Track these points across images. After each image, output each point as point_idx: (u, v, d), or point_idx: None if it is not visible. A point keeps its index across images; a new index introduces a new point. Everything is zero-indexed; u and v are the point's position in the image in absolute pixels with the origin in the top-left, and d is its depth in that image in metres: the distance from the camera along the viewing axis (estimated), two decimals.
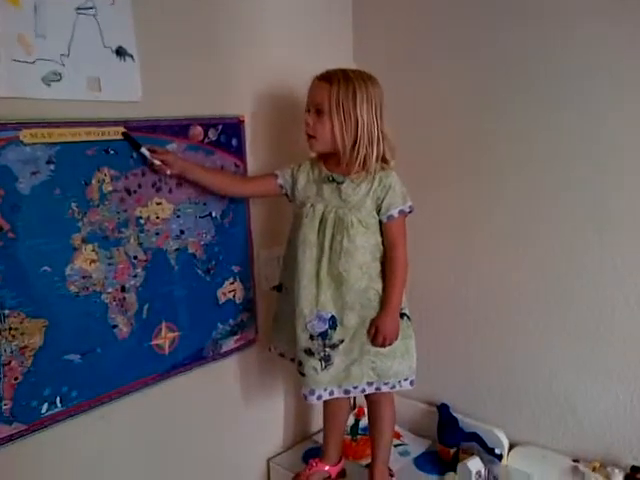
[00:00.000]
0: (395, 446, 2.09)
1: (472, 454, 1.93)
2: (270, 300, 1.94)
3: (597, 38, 1.66)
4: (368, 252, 1.66)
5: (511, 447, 1.98)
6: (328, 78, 1.59)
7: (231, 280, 1.86)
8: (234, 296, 1.88)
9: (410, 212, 1.67)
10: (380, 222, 1.67)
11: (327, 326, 1.67)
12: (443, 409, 2.11)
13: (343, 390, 1.72)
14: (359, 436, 2.18)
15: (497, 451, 1.93)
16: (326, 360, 1.68)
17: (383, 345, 1.67)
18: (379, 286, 1.68)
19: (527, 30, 1.78)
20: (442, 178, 2.07)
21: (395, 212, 1.65)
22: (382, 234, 1.68)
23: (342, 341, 1.68)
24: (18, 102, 1.32)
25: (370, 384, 1.72)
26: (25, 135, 1.33)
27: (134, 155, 1.56)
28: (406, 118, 1.98)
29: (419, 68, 2.06)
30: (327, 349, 1.68)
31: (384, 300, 1.67)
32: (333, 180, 1.66)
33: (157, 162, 1.56)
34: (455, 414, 2.09)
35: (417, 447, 2.14)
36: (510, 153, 1.89)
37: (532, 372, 1.96)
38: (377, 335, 1.66)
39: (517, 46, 1.81)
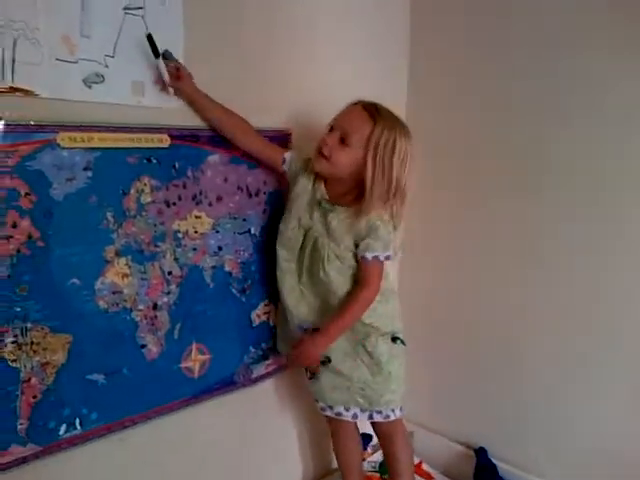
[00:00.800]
0: None
1: None
2: None
3: None
4: (343, 283, 1.59)
5: None
6: (373, 114, 1.50)
7: (266, 302, 1.77)
8: (268, 318, 1.78)
9: (386, 259, 1.57)
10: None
11: None
12: (481, 454, 1.99)
13: (335, 412, 1.67)
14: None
15: None
16: (311, 372, 1.67)
17: (292, 363, 1.63)
18: (376, 317, 1.62)
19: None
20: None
21: (369, 256, 1.55)
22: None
23: (329, 360, 1.62)
24: (57, 103, 1.25)
25: (363, 411, 1.67)
26: (63, 138, 1.26)
27: (176, 165, 1.48)
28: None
29: (472, 107, 1.99)
30: None
31: (325, 324, 1.58)
32: (326, 204, 1.58)
33: (167, 79, 1.39)
34: (494, 460, 1.96)
35: None
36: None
37: (578, 417, 1.83)
38: (295, 348, 1.61)
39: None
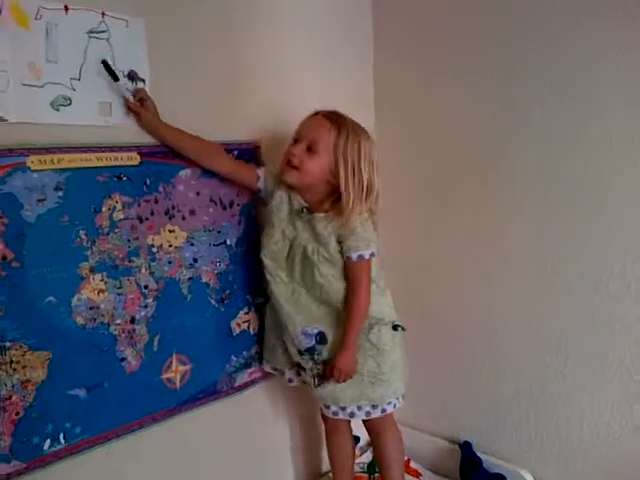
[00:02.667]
0: None
1: None
2: None
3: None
4: (340, 284, 1.63)
5: None
6: (336, 122, 1.55)
7: (245, 310, 1.80)
8: (248, 327, 1.81)
9: (371, 257, 1.62)
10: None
11: (314, 342, 1.64)
12: (466, 447, 2.02)
13: (348, 413, 1.68)
14: (377, 474, 2.08)
15: None
16: (320, 377, 1.66)
17: (338, 381, 1.64)
18: (375, 305, 1.66)
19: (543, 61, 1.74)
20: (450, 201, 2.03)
21: (354, 256, 1.60)
22: None
23: None
24: (25, 127, 1.28)
25: (375, 407, 1.68)
26: (32, 161, 1.29)
27: (147, 181, 1.51)
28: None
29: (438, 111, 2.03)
30: (319, 366, 1.66)
31: (343, 339, 1.63)
32: (306, 213, 1.62)
33: (131, 100, 1.44)
34: (479, 453, 2.00)
35: None
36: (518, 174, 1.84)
37: (563, 409, 1.85)
38: (333, 371, 1.63)
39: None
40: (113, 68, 1.40)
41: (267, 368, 1.83)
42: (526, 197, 1.84)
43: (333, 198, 1.60)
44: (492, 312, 1.97)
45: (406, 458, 2.13)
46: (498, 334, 1.97)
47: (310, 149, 1.54)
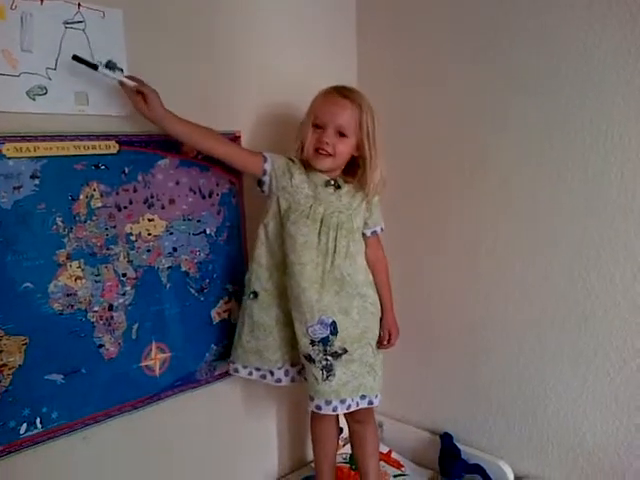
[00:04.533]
0: (395, 476, 2.02)
1: None
2: None
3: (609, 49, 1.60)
4: (364, 258, 1.72)
5: None
6: (353, 99, 1.59)
7: (226, 299, 1.82)
8: (229, 316, 1.83)
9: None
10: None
11: (328, 331, 1.63)
12: (446, 439, 2.03)
13: (346, 406, 1.66)
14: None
15: None
16: (328, 370, 1.64)
17: (394, 344, 1.80)
18: (375, 295, 1.74)
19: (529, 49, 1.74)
20: (445, 197, 2.02)
21: (379, 229, 1.77)
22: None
23: (345, 351, 1.64)
24: (1, 116, 1.30)
25: (363, 397, 1.70)
26: (8, 149, 1.31)
27: (126, 170, 1.53)
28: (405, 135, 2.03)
29: (421, 86, 2.02)
30: (329, 357, 1.63)
31: (385, 304, 1.76)
32: (334, 184, 1.66)
33: (130, 83, 1.41)
34: (458, 444, 2.01)
35: (418, 478, 2.05)
36: (512, 168, 1.83)
37: (540, 400, 1.87)
38: (391, 337, 1.78)
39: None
40: (85, 58, 1.39)
41: (243, 374, 1.76)
42: (513, 197, 1.85)
43: (348, 171, 1.69)
44: (471, 308, 1.99)
45: (387, 449, 2.16)
46: (476, 329, 1.98)
47: (341, 134, 1.59)
